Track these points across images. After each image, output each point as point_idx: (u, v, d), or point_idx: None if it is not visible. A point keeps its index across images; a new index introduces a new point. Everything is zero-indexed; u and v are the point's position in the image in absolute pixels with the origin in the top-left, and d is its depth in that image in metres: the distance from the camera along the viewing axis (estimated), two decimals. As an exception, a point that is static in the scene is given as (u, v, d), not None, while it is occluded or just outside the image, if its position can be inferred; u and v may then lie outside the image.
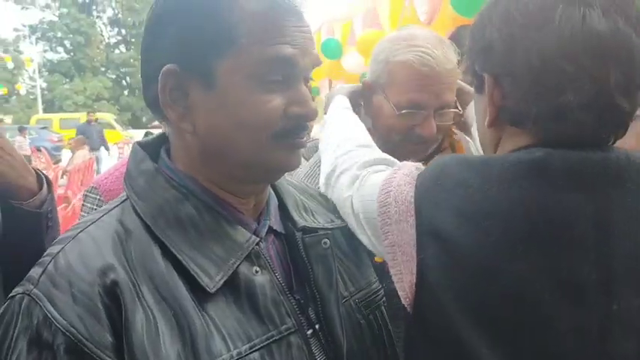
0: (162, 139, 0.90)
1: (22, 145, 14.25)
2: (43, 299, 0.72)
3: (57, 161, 14.74)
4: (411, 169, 0.95)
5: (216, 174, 0.85)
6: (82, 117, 19.93)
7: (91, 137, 12.96)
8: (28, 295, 0.73)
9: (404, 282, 0.89)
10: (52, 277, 0.74)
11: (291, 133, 0.82)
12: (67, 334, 0.70)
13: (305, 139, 0.85)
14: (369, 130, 1.31)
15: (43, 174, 1.20)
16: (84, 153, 11.47)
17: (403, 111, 1.36)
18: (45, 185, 1.18)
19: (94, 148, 13.04)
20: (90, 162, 10.89)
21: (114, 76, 42.94)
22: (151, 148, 0.89)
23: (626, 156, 0.83)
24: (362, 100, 1.45)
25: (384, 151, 1.22)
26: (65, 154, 15.61)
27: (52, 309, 0.71)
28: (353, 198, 1.01)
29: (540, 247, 0.80)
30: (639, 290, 0.80)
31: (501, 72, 0.86)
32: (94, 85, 38.81)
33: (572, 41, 0.79)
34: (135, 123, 38.61)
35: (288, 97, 0.81)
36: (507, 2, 0.86)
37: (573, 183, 0.80)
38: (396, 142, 1.45)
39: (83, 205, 1.43)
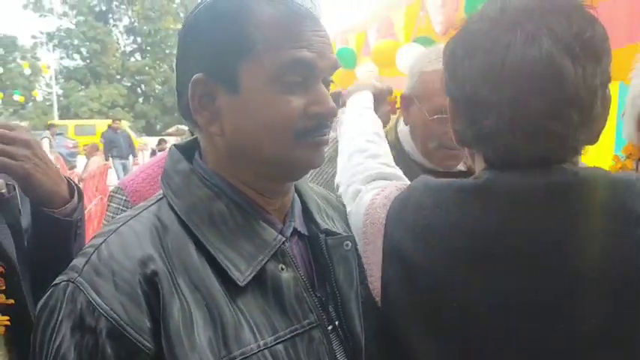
0: (196, 142, 0.96)
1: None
2: (86, 286, 0.78)
3: (72, 167, 14.86)
4: (392, 190, 1.04)
5: (244, 174, 0.90)
6: (97, 124, 20.13)
7: (119, 145, 12.98)
8: (73, 282, 0.79)
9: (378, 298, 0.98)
10: (95, 266, 0.79)
11: (313, 132, 0.87)
12: (110, 319, 0.75)
13: (326, 137, 0.90)
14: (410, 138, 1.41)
15: (74, 182, 1.24)
16: (98, 159, 11.59)
17: (435, 116, 1.43)
18: (76, 194, 1.21)
19: (122, 157, 13.00)
20: (104, 168, 10.99)
21: (129, 84, 43.34)
22: (186, 151, 0.96)
23: (574, 174, 0.85)
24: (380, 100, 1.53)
25: (424, 158, 1.33)
26: (80, 161, 15.75)
27: (95, 296, 0.77)
28: (351, 213, 1.09)
29: (483, 266, 0.85)
30: (585, 309, 0.82)
31: (450, 96, 0.93)
32: (109, 93, 39.20)
33: (493, 70, 0.83)
34: (149, 130, 38.94)
35: (307, 98, 0.86)
36: (461, 30, 0.92)
37: (511, 204, 0.85)
38: (432, 149, 1.52)
39: (109, 205, 1.48)
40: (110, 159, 13.00)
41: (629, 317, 0.81)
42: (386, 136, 1.69)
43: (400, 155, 1.65)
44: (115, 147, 13.02)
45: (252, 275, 0.84)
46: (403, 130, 1.67)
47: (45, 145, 13.08)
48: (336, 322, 0.92)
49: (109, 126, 14.39)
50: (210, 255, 0.84)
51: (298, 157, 0.88)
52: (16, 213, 1.16)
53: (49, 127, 16.40)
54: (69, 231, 1.17)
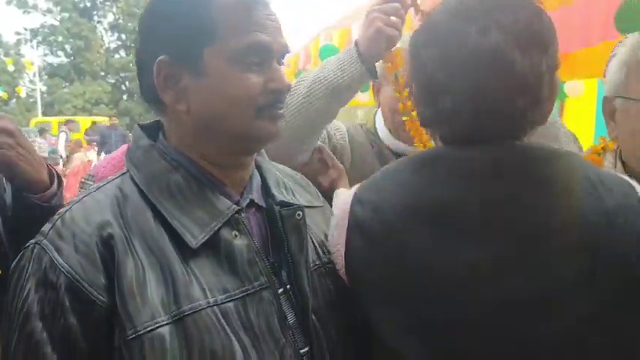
0: (159, 123, 1.05)
1: (42, 146, 14.37)
2: (50, 248, 0.87)
3: (56, 163, 14.80)
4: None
5: (207, 148, 0.99)
6: (81, 121, 19.98)
7: (110, 142, 13.02)
8: (39, 244, 0.89)
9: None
10: (58, 230, 0.89)
11: (271, 107, 0.97)
12: (69, 275, 0.85)
13: (282, 111, 1.00)
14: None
15: (55, 170, 1.30)
16: (81, 155, 11.53)
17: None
18: (56, 180, 1.30)
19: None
20: (87, 164, 10.93)
21: (113, 81, 43.00)
22: (149, 130, 1.05)
23: (522, 149, 0.94)
24: None
25: (396, 139, 1.79)
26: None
27: (57, 256, 0.86)
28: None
29: (433, 230, 0.93)
30: (525, 270, 0.90)
31: (413, 82, 1.02)
32: (93, 90, 38.85)
33: (450, 56, 0.93)
34: (133, 127, 38.50)
35: (265, 76, 0.96)
36: (424, 22, 1.02)
37: (455, 176, 0.94)
38: (400, 122, 1.70)
39: (80, 190, 1.50)
40: (103, 154, 13.01)
41: (570, 282, 0.89)
42: (366, 125, 1.79)
43: (375, 143, 1.79)
44: (107, 143, 13.01)
45: (204, 239, 0.92)
46: (379, 118, 1.81)
47: (62, 139, 13.19)
48: (288, 286, 1.00)
49: (94, 122, 14.40)
50: (166, 221, 0.92)
51: (260, 129, 0.97)
52: (0, 190, 1.22)
53: (66, 122, 16.53)
54: (48, 216, 1.22)
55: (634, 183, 0.95)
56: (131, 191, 0.96)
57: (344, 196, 1.10)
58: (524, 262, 0.90)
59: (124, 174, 1.00)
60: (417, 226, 0.94)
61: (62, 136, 15.10)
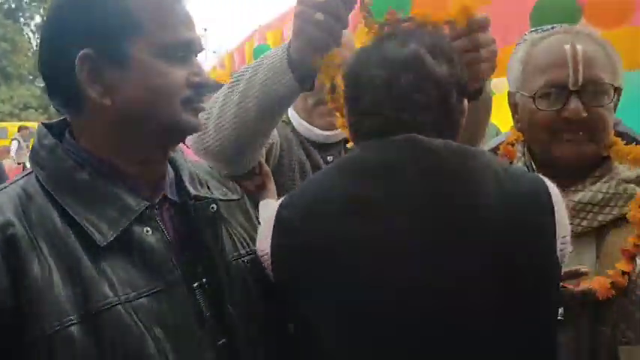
0: (66, 122, 1.03)
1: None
2: None
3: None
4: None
5: (126, 144, 0.99)
6: (8, 126, 19.17)
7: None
8: None
9: None
10: None
11: (194, 99, 0.99)
12: None
13: (203, 104, 1.03)
14: None
15: None
16: (9, 162, 11.07)
17: None
18: None
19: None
20: (16, 171, 10.51)
21: (42, 85, 41.40)
22: (55, 129, 1.03)
23: (429, 143, 1.00)
24: None
25: (309, 124, 1.83)
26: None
27: None
28: None
29: (347, 222, 0.99)
30: (431, 259, 0.96)
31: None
32: (21, 94, 37.25)
33: (373, 59, 1.06)
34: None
35: (188, 69, 0.98)
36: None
37: (367, 171, 1.02)
38: (312, 106, 1.75)
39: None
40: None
41: (477, 271, 0.95)
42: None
43: (291, 134, 1.78)
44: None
45: (113, 236, 0.92)
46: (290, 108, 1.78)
47: (14, 147, 12.55)
48: (204, 279, 1.01)
49: (22, 127, 13.81)
50: (74, 220, 0.91)
51: (184, 121, 0.99)
52: None
53: (20, 129, 15.63)
54: None
55: (544, 179, 1.03)
56: (35, 191, 0.95)
57: (273, 206, 1.13)
58: (428, 252, 0.96)
59: (28, 174, 0.99)
60: (333, 220, 0.99)
61: (14, 145, 14.28)
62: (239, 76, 1.20)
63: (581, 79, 1.24)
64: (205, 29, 22.66)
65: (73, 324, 0.86)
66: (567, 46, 1.26)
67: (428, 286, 0.95)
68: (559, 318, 1.20)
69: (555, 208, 0.99)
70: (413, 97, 1.01)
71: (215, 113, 1.22)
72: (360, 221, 0.97)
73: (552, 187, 1.01)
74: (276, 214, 1.05)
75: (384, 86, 1.02)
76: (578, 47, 1.25)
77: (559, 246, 0.99)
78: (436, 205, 0.97)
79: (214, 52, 16.00)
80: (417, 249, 0.96)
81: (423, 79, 1.02)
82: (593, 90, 1.26)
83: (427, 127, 1.02)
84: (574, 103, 1.24)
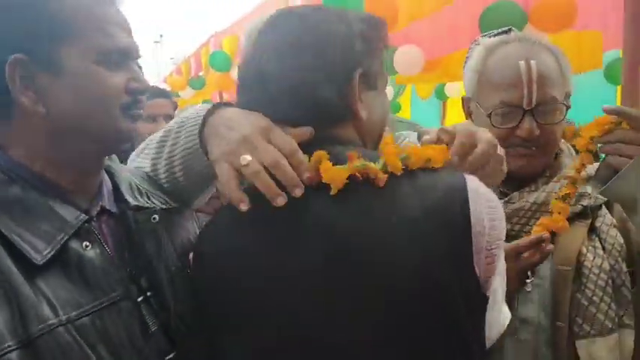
0: None
1: None
2: None
3: None
4: None
5: (60, 154, 0.94)
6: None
7: None
8: None
9: None
10: None
11: (133, 106, 0.96)
12: None
13: (141, 111, 1.00)
14: None
15: None
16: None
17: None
18: None
19: None
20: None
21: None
22: None
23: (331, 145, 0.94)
24: None
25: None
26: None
27: None
28: None
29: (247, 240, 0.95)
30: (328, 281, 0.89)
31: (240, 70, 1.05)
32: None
33: (273, 47, 0.96)
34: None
35: (126, 75, 0.95)
36: None
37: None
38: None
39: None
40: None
41: (373, 294, 0.87)
42: None
43: None
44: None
45: (50, 254, 0.86)
46: None
47: None
48: (148, 293, 0.98)
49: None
50: (6, 239, 0.85)
51: (123, 129, 0.95)
52: None
53: None
54: None
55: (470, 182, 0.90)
56: None
57: None
58: (327, 270, 0.88)
59: None
60: (237, 241, 0.96)
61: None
62: (166, 133, 1.10)
63: (534, 100, 1.28)
64: (161, 35, 22.22)
65: (11, 350, 0.79)
66: (522, 63, 1.29)
67: (323, 311, 0.89)
68: (527, 290, 1.25)
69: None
70: (319, 93, 0.94)
71: (149, 165, 1.14)
72: (262, 241, 0.93)
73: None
74: (196, 243, 1.05)
75: (283, 77, 0.94)
76: (532, 64, 1.28)
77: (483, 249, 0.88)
78: (335, 223, 0.89)
79: (171, 58, 15.67)
80: (313, 268, 0.89)
81: (336, 70, 0.95)
82: (545, 110, 1.30)
83: (331, 121, 0.97)
84: (528, 123, 1.28)
